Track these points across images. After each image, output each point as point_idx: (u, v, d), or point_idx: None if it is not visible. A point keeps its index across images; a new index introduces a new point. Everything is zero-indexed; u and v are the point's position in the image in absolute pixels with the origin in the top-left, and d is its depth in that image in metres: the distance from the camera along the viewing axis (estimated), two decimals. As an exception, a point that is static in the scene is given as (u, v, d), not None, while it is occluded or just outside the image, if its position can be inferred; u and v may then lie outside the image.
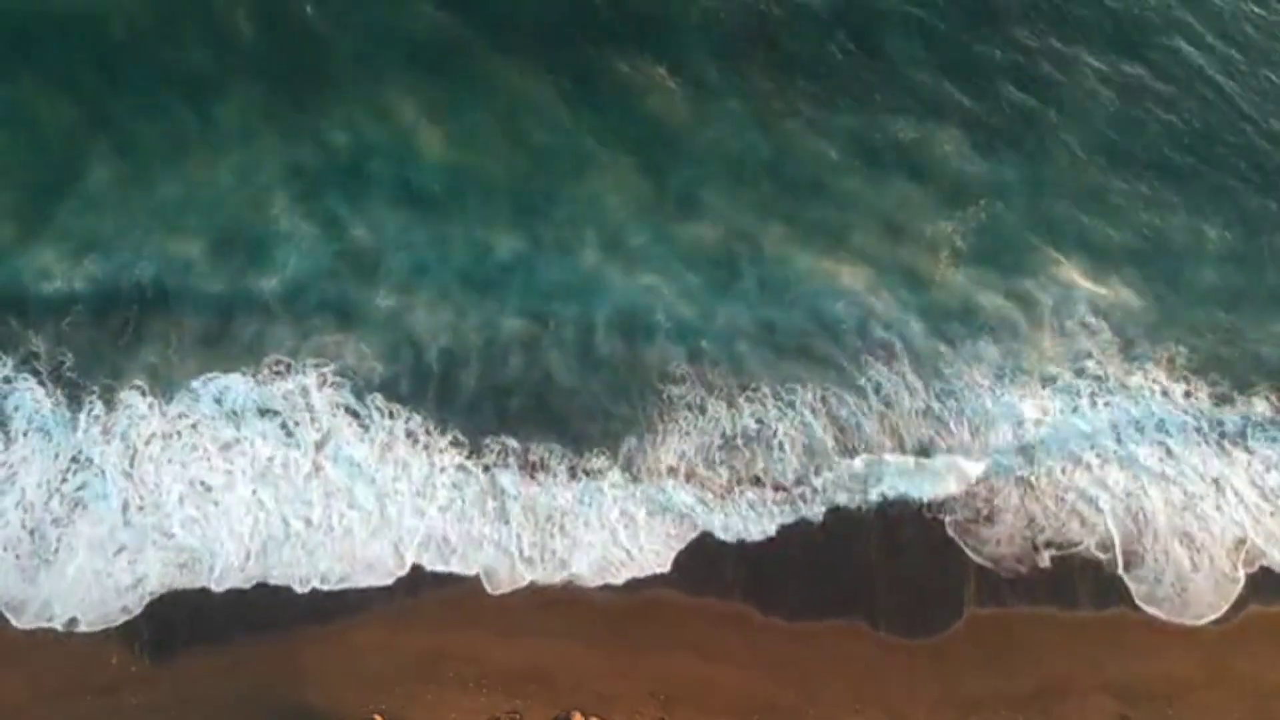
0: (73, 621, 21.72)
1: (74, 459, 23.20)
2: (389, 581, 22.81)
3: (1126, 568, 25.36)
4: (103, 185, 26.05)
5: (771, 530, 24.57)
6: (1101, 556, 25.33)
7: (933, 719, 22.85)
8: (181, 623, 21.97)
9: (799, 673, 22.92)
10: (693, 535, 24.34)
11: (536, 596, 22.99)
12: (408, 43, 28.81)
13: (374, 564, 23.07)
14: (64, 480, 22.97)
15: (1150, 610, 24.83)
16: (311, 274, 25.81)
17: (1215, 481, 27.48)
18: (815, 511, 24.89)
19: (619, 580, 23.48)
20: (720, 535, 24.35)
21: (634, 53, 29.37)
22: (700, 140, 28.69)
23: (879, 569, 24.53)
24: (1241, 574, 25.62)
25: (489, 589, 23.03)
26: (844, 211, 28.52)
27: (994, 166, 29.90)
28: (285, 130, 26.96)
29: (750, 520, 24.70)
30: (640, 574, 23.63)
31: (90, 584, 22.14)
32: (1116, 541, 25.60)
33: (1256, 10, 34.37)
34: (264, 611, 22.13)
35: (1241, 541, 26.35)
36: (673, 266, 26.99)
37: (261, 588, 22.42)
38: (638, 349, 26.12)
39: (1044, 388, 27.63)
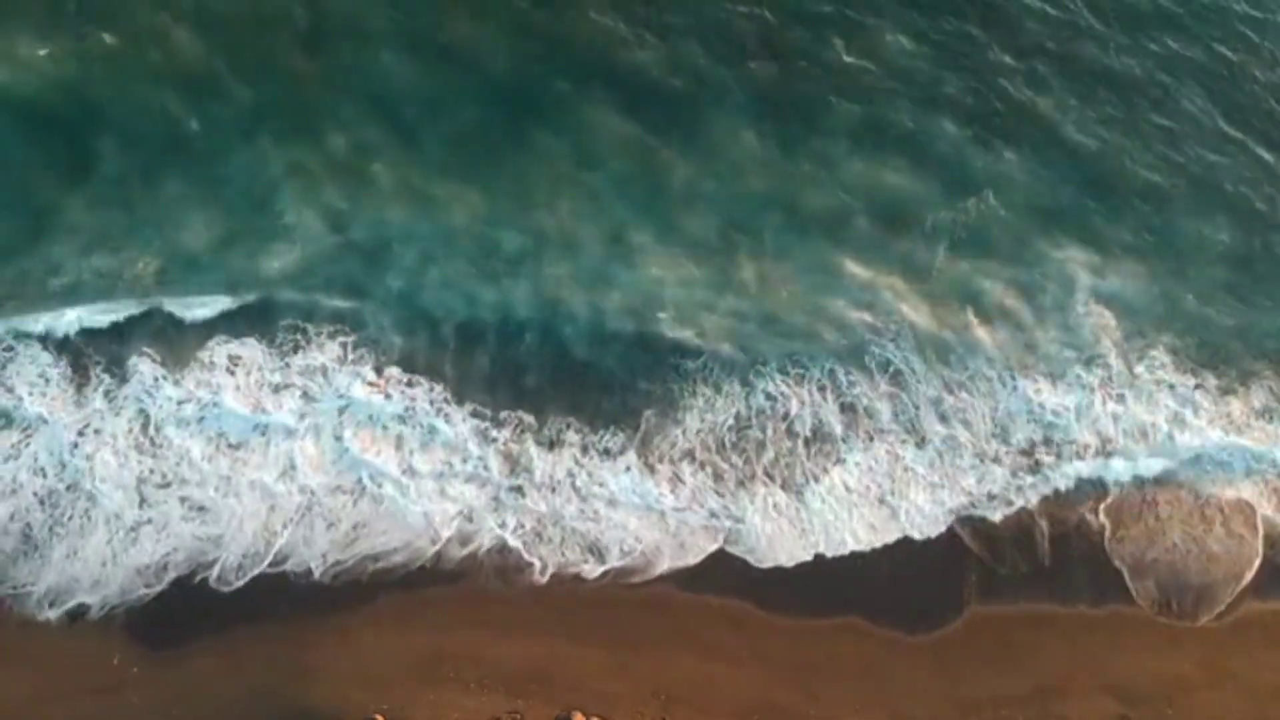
0: (81, 607, 21.67)
1: (81, 432, 22.97)
2: (419, 558, 22.91)
3: (1115, 529, 25.65)
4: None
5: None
6: (1095, 523, 25.64)
7: (934, 718, 22.95)
8: (183, 623, 21.90)
9: (800, 672, 23.01)
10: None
11: (537, 596, 22.98)
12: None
13: (407, 540, 23.14)
14: (72, 453, 22.76)
15: (1147, 585, 25.00)
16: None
17: (1221, 462, 27.64)
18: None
19: (657, 572, 23.61)
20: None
21: (631, 52, 28.86)
22: (700, 135, 28.26)
23: (880, 566, 24.55)
24: (1255, 542, 26.05)
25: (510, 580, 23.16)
26: (845, 203, 28.28)
27: (995, 160, 29.59)
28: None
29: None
30: (677, 566, 23.74)
31: (107, 560, 22.10)
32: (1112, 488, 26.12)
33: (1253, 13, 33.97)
34: (266, 612, 22.08)
35: (1248, 507, 26.49)
36: (675, 258, 26.77)
37: (265, 586, 22.33)
38: (646, 332, 26.02)
39: (1054, 381, 27.47)
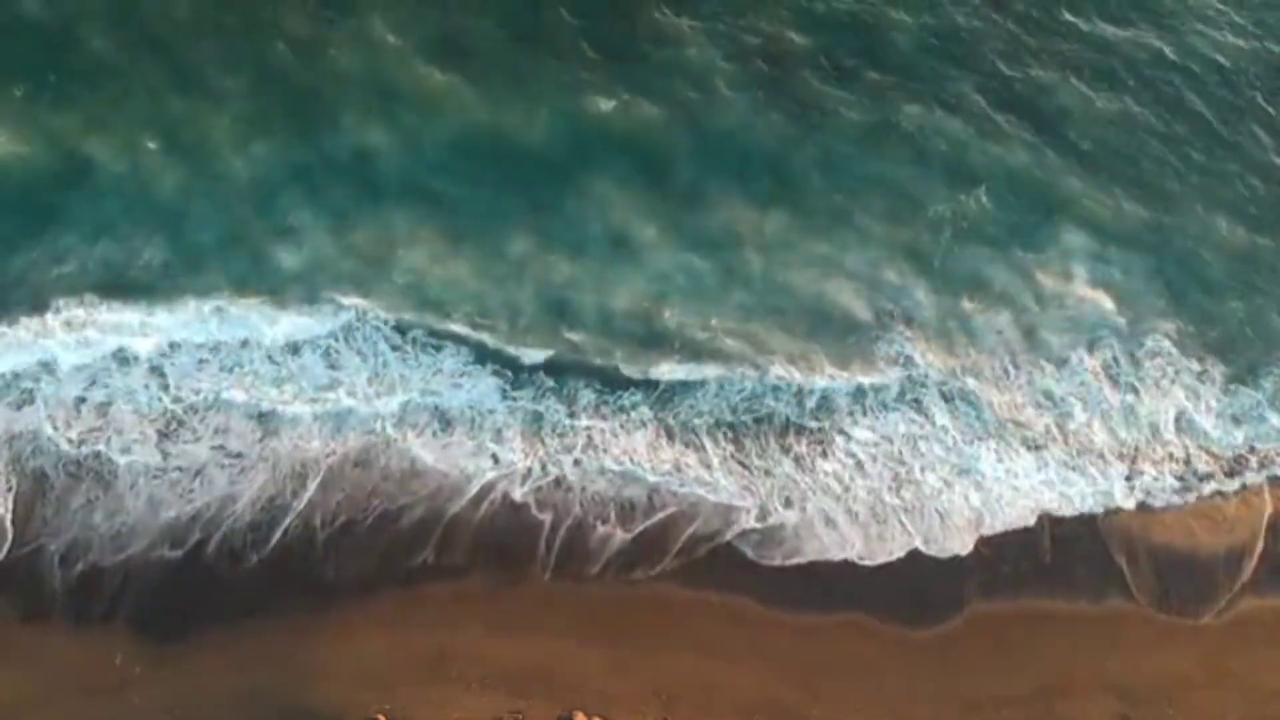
0: (94, 569, 21.67)
1: (90, 384, 22.93)
2: (435, 519, 23.06)
3: (1115, 523, 25.76)
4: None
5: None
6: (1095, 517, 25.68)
7: (936, 717, 23.02)
8: (185, 622, 21.88)
9: (801, 670, 23.04)
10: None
11: (538, 595, 22.95)
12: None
13: (427, 494, 23.36)
14: (79, 406, 22.71)
15: (1148, 579, 24.95)
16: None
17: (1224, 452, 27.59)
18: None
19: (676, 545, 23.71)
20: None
21: (639, 52, 28.50)
22: (710, 131, 27.93)
23: (880, 566, 24.48)
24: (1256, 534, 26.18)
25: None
26: (850, 197, 28.09)
27: (996, 152, 29.39)
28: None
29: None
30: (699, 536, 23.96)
31: (129, 512, 22.20)
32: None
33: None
34: (268, 611, 22.06)
35: (1252, 498, 26.55)
36: (681, 253, 26.54)
37: (267, 586, 22.25)
38: (654, 324, 25.86)
39: (1058, 368, 27.29)
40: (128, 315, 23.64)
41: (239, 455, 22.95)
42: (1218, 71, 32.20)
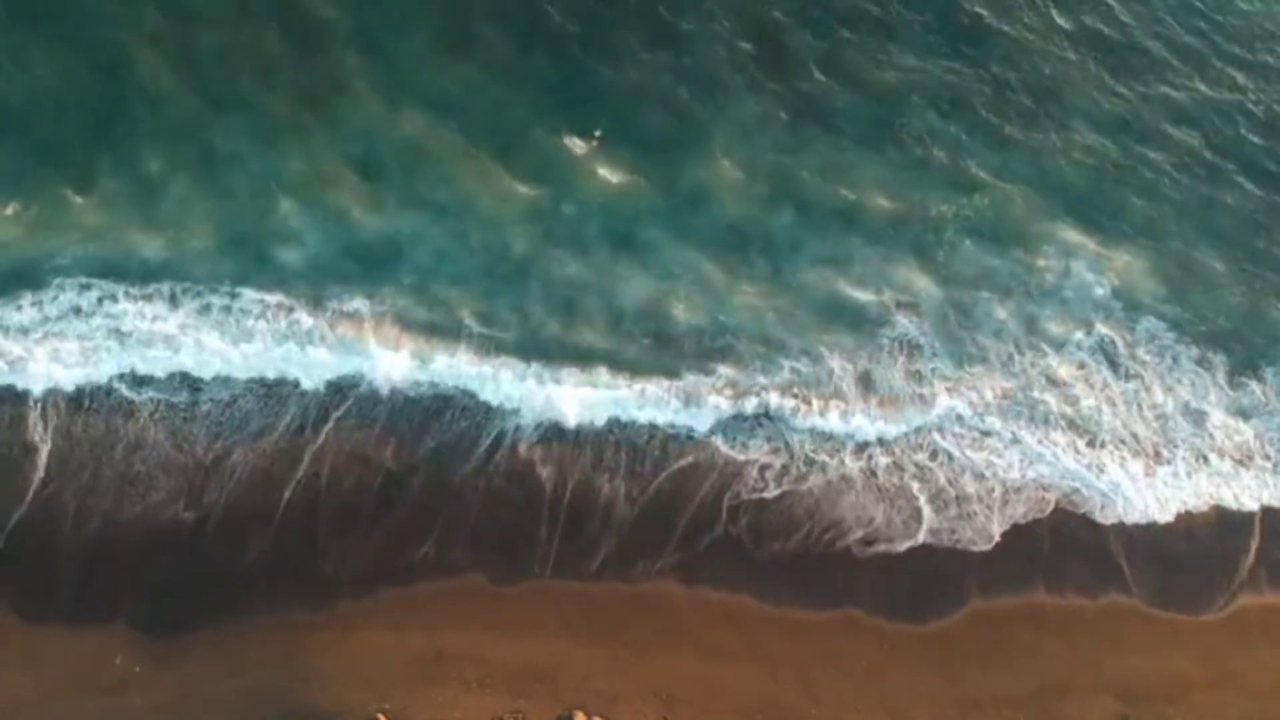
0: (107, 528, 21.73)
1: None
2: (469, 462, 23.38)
3: (1113, 521, 25.91)
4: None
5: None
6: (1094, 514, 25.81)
7: (935, 717, 23.05)
8: (186, 621, 21.80)
9: (801, 669, 23.07)
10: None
11: (538, 593, 22.90)
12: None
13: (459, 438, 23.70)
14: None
15: (1147, 577, 24.92)
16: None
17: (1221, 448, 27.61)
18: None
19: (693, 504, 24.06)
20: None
21: (647, 55, 28.35)
22: (715, 134, 27.85)
23: (880, 560, 24.49)
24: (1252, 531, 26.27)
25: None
26: (854, 196, 28.16)
27: (1000, 155, 29.63)
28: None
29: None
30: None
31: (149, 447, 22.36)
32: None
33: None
34: (269, 610, 21.98)
35: (1246, 495, 26.60)
36: (687, 253, 26.47)
37: (269, 584, 22.18)
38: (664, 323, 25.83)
39: (1059, 360, 27.48)
40: (130, 305, 23.54)
41: (276, 384, 23.19)
42: (1217, 82, 32.53)
